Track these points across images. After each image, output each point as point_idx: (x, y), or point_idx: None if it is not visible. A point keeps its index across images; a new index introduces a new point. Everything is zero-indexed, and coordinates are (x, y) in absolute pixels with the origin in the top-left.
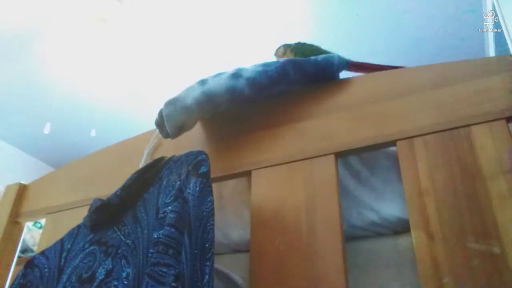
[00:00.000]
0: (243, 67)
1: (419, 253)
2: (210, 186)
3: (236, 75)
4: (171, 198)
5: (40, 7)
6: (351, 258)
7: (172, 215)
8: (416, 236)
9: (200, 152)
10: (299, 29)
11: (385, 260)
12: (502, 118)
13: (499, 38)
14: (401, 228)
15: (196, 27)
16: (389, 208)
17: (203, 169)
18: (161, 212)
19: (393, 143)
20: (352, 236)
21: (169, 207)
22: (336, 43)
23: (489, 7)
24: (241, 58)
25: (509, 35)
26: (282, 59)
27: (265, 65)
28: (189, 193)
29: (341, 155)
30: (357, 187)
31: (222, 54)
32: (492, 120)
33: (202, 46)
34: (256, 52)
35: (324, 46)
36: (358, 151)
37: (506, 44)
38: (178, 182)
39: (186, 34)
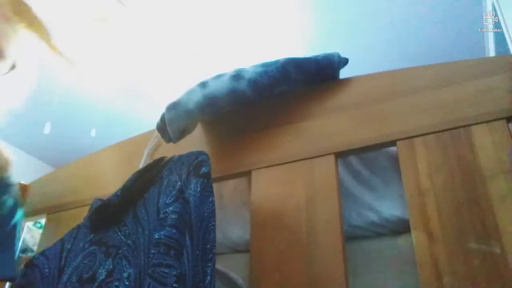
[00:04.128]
0: (243, 68)
1: (419, 253)
2: (211, 187)
3: (237, 76)
4: (172, 199)
5: (40, 7)
6: (351, 258)
7: (173, 216)
8: (416, 236)
9: (200, 153)
10: (299, 29)
11: (385, 260)
12: (502, 118)
13: (499, 38)
14: (401, 228)
15: (197, 27)
16: (389, 208)
17: (203, 169)
18: (162, 212)
19: (393, 143)
20: (352, 236)
21: (170, 208)
22: (334, 43)
23: (489, 7)
24: (241, 58)
25: (509, 35)
26: (281, 59)
27: (265, 65)
28: (190, 193)
29: (341, 155)
30: (357, 187)
31: (222, 54)
32: (492, 120)
33: (202, 46)
34: (256, 52)
35: (322, 47)
36: (358, 151)
37: (506, 44)
38: (179, 183)
39: (187, 34)
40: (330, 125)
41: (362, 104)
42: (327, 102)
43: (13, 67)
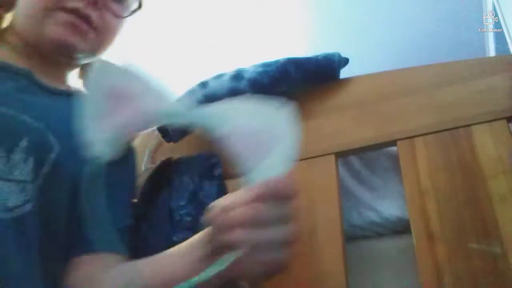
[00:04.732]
0: (243, 68)
1: (419, 253)
2: (226, 188)
3: (237, 76)
4: (185, 201)
5: None
6: (351, 258)
7: (188, 219)
8: (416, 236)
9: (211, 155)
10: (301, 29)
11: (385, 260)
12: (502, 118)
13: (499, 38)
14: (401, 228)
15: (198, 27)
16: (389, 208)
17: (217, 171)
18: (176, 214)
19: (393, 143)
20: (353, 236)
21: (184, 210)
22: (334, 43)
23: (489, 7)
24: (242, 57)
25: (509, 35)
26: (282, 59)
27: (265, 65)
28: (204, 195)
29: (341, 155)
30: (357, 187)
31: (223, 54)
32: (493, 120)
33: (204, 47)
34: (257, 51)
35: (324, 47)
36: (358, 151)
37: (506, 44)
38: (191, 185)
39: (190, 34)
40: (330, 125)
41: (362, 104)
42: (327, 102)
43: (139, 6)
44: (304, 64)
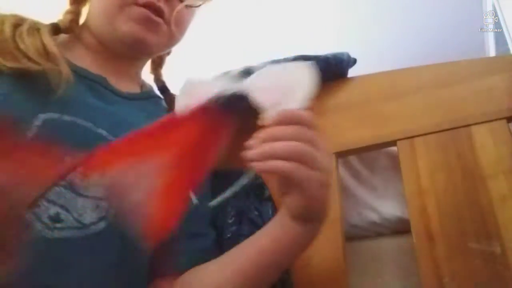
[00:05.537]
0: (253, 65)
1: (419, 253)
2: (275, 207)
3: (246, 72)
4: (233, 219)
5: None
6: (351, 258)
7: (242, 239)
8: (416, 236)
9: (256, 175)
10: (309, 29)
11: (385, 260)
12: (502, 118)
13: (499, 38)
14: (401, 228)
15: (209, 26)
16: (389, 207)
17: (267, 192)
18: (226, 232)
19: (393, 143)
20: (353, 236)
21: (233, 227)
22: (336, 44)
23: (489, 7)
24: (254, 56)
25: (509, 35)
26: (291, 56)
27: (274, 62)
28: (257, 215)
29: (341, 155)
30: (357, 187)
31: (235, 55)
32: (493, 120)
33: (214, 48)
34: (268, 53)
35: (328, 47)
36: (358, 151)
37: (506, 44)
38: (236, 203)
39: (196, 34)
40: (330, 125)
41: (363, 104)
42: (327, 102)
43: None
44: (313, 61)
